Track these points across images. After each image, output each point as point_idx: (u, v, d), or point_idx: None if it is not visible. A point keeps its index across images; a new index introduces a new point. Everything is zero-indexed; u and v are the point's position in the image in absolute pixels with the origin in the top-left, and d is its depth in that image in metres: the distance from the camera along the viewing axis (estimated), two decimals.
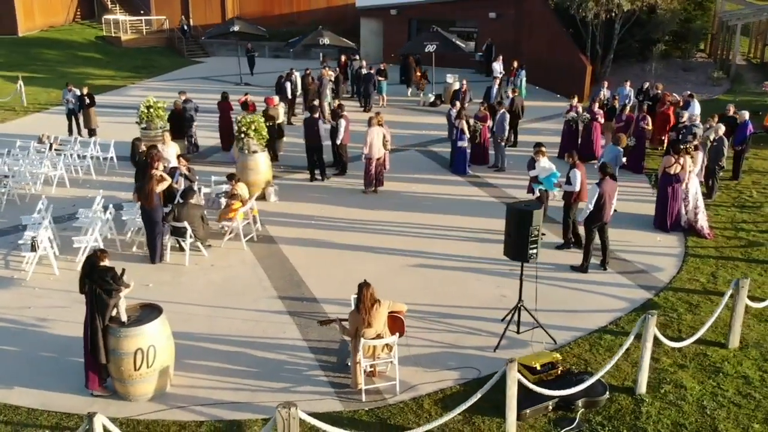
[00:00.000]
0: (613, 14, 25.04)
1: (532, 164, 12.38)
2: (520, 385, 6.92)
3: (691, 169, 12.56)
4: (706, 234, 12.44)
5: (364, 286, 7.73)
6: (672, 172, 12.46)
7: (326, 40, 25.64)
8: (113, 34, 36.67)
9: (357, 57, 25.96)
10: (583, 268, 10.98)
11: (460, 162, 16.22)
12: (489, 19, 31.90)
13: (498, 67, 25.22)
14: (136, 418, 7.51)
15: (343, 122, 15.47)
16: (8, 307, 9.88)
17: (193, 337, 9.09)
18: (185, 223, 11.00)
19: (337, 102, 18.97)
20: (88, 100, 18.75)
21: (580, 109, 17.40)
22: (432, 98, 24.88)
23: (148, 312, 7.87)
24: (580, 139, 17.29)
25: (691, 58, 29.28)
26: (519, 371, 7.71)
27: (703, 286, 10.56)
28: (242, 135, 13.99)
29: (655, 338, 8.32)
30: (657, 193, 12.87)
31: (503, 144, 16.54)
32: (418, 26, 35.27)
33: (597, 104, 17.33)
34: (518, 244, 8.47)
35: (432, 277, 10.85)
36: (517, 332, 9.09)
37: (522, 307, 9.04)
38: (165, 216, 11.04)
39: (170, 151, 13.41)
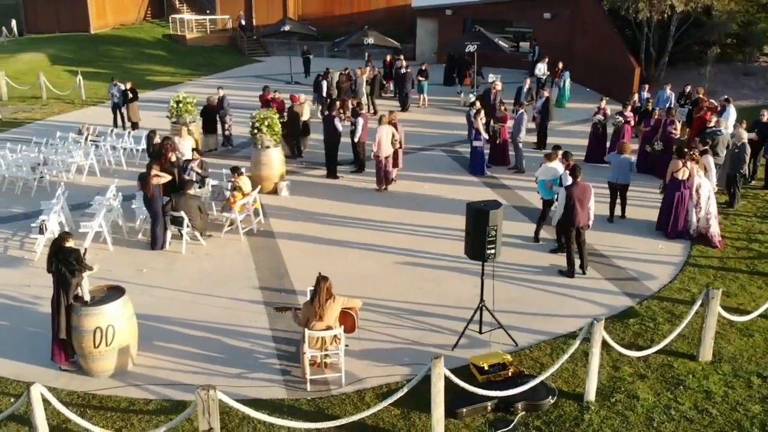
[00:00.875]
0: (665, 15, 24.17)
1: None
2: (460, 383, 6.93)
3: (700, 174, 12.05)
4: (716, 243, 11.94)
5: (321, 280, 7.91)
6: (680, 177, 12.03)
7: (370, 40, 25.89)
8: (179, 33, 38.14)
9: (400, 57, 26.07)
10: (568, 273, 10.78)
11: (476, 162, 16.13)
12: (544, 19, 31.37)
13: (543, 67, 24.79)
14: (92, 393, 7.96)
15: (360, 121, 15.65)
16: (10, 284, 10.59)
17: (168, 321, 9.50)
18: (182, 213, 11.45)
19: (359, 100, 19.07)
20: (131, 95, 19.66)
21: (608, 112, 16.95)
22: (472, 98, 24.62)
23: (113, 293, 8.30)
24: (608, 143, 16.83)
25: (753, 62, 27.89)
26: (470, 370, 7.82)
27: (693, 297, 10.16)
28: (255, 130, 14.37)
29: (622, 346, 8.21)
30: (663, 198, 12.43)
31: (521, 145, 16.31)
32: (473, 26, 35.04)
33: (629, 107, 16.83)
34: (477, 243, 8.43)
35: (416, 276, 10.91)
36: (480, 332, 9.06)
37: (484, 308, 8.98)
38: (164, 205, 11.53)
39: (186, 144, 13.96)
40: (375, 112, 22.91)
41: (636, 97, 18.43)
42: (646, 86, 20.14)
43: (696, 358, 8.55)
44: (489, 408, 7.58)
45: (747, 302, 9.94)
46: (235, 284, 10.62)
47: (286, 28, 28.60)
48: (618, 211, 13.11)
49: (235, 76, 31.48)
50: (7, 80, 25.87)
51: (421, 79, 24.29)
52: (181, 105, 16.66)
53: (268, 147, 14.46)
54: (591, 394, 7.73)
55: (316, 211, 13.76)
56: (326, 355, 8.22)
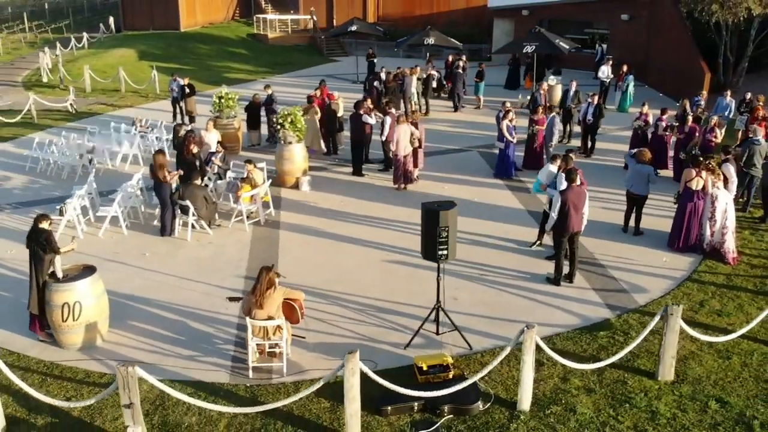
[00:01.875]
0: (742, 19, 22.73)
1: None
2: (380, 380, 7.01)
3: (719, 184, 11.36)
4: (729, 259, 11.24)
5: (264, 270, 8.16)
6: (694, 187, 11.40)
7: (431, 40, 25.89)
8: (262, 32, 39.52)
9: (461, 57, 25.90)
10: (555, 281, 10.48)
11: (501, 165, 15.89)
12: (621, 20, 30.24)
13: (606, 70, 23.91)
14: (57, 363, 8.56)
15: (388, 119, 15.76)
16: (23, 260, 11.45)
17: (150, 303, 10.04)
18: (188, 202, 12.01)
19: (388, 99, 19.06)
20: (188, 90, 20.66)
21: (650, 119, 16.22)
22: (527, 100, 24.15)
23: (85, 272, 8.88)
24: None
25: None
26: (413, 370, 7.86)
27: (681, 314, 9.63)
28: (279, 126, 14.80)
29: (574, 358, 7.99)
30: (676, 209, 11.81)
31: (552, 148, 15.90)
32: (550, 27, 34.25)
33: (666, 114, 16.05)
34: (429, 243, 8.41)
35: (398, 274, 10.94)
36: (437, 333, 9.01)
37: (440, 309, 8.93)
38: (172, 194, 12.14)
39: (211, 137, 14.60)
40: (427, 112, 22.95)
41: (683, 102, 17.45)
42: (704, 93, 19.08)
43: (655, 377, 8.12)
44: (416, 408, 7.55)
45: (739, 323, 9.32)
46: (224, 272, 11.04)
47: (354, 28, 29.04)
48: (633, 223, 12.49)
49: (306, 75, 32.27)
50: (90, 74, 27.73)
51: (476, 80, 24.05)
52: (223, 100, 17.33)
53: (290, 143, 14.84)
54: (524, 404, 7.55)
55: (329, 207, 14.01)
56: (275, 345, 8.41)
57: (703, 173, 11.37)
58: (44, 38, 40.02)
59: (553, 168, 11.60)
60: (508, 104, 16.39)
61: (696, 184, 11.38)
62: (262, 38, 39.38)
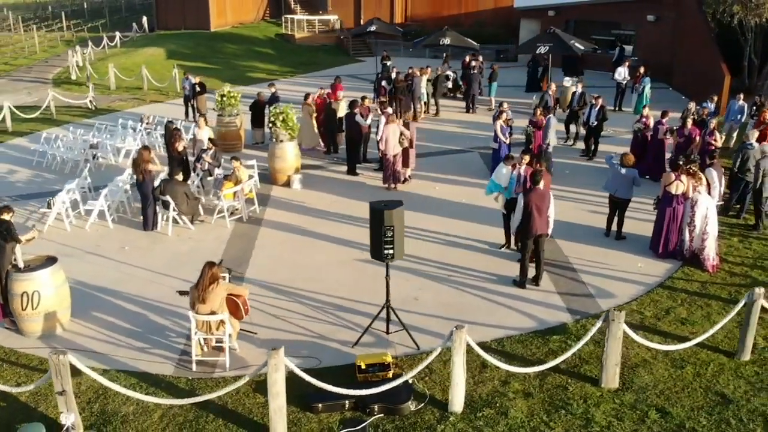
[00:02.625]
0: (766, 20, 22.03)
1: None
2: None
3: (700, 189, 11.04)
4: (708, 266, 10.92)
5: (207, 265, 8.29)
6: (673, 192, 11.12)
7: (447, 40, 25.76)
8: (289, 32, 39.92)
9: (478, 58, 25.73)
10: (520, 283, 10.35)
11: (494, 166, 15.66)
12: (648, 21, 29.61)
13: (623, 71, 23.42)
14: (15, 349, 8.84)
15: (383, 119, 15.75)
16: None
17: (117, 295, 10.28)
18: (168, 197, 12.25)
19: (382, 100, 18.95)
20: (198, 89, 21.01)
21: (651, 121, 15.85)
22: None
23: (47, 263, 9.15)
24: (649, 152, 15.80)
25: None
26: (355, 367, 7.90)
27: (641, 321, 9.44)
28: (271, 124, 14.96)
29: (521, 361, 7.92)
30: (656, 215, 11.53)
31: (550, 150, 15.67)
32: (576, 28, 33.79)
33: (667, 116, 15.67)
34: (375, 243, 8.41)
35: (367, 273, 10.92)
36: (386, 332, 9.00)
37: (389, 308, 8.92)
38: (153, 190, 12.39)
39: (203, 134, 14.84)
40: (437, 113, 22.88)
41: (690, 105, 17.01)
42: (714, 97, 18.54)
43: (598, 383, 7.96)
44: (347, 406, 7.56)
45: (701, 332, 9.03)
46: (196, 267, 11.07)
47: (373, 28, 29.09)
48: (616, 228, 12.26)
49: (328, 75, 32.36)
50: (115, 72, 28.44)
51: (489, 81, 23.87)
52: (225, 98, 17.59)
53: (282, 141, 14.98)
54: (456, 405, 7.49)
55: (316, 206, 14.09)
56: (221, 339, 8.52)
57: (684, 177, 11.07)
58: (81, 37, 41.13)
59: (506, 169, 11.44)
60: (505, 105, 16.23)
61: (675, 189, 11.09)
62: (289, 38, 39.79)
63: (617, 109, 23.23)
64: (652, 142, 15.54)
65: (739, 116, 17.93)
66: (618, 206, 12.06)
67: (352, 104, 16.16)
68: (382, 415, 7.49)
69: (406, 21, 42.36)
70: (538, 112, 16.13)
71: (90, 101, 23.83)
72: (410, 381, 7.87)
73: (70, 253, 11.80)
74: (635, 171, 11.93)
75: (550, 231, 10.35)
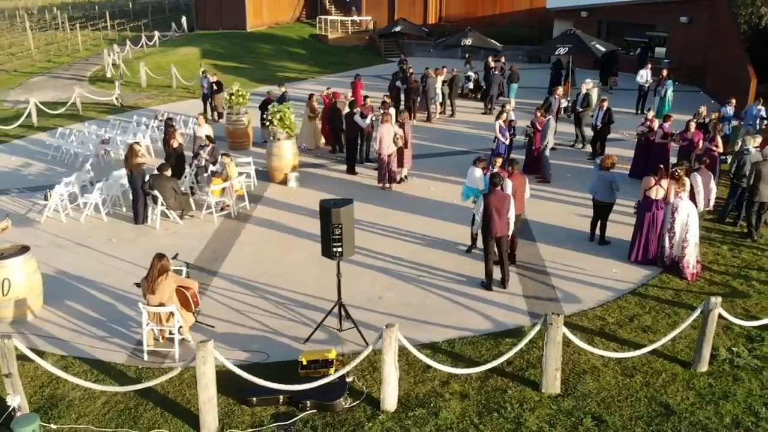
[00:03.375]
0: None
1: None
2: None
3: (682, 194, 10.74)
4: (687, 274, 10.63)
5: (156, 257, 8.51)
6: (653, 197, 10.86)
7: (468, 41, 25.66)
8: (323, 33, 40.30)
9: (499, 59, 25.54)
10: (486, 285, 10.28)
11: None
12: (680, 23, 28.87)
13: (645, 74, 22.88)
14: None
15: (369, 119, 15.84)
16: (5, 240, 12.37)
17: (93, 285, 10.62)
18: (156, 192, 12.58)
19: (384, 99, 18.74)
20: (215, 87, 21.47)
21: (655, 125, 15.48)
22: (564, 104, 23.46)
23: (20, 252, 9.52)
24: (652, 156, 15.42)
25: None
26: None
27: (602, 327, 9.26)
28: (268, 123, 15.19)
29: (467, 363, 7.89)
30: (636, 220, 11.27)
31: (547, 153, 15.46)
32: (608, 29, 33.22)
33: (669, 120, 15.28)
34: (326, 241, 8.49)
35: (347, 274, 10.88)
36: (339, 329, 9.07)
37: (342, 306, 8.98)
38: (142, 184, 12.74)
39: (202, 131, 15.16)
40: (452, 114, 22.79)
41: (701, 109, 16.52)
42: (733, 101, 17.96)
43: (539, 388, 7.86)
44: (281, 401, 7.66)
45: (674, 347, 8.81)
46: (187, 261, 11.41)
47: (398, 28, 29.17)
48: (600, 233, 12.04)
49: (352, 75, 32.61)
50: (146, 70, 29.23)
51: (508, 82, 23.65)
52: (233, 97, 17.92)
53: (279, 139, 15.18)
54: (388, 404, 7.51)
55: (307, 204, 14.19)
56: (173, 331, 8.72)
57: (664, 182, 10.79)
58: (123, 36, 42.38)
59: (478, 172, 11.32)
60: (507, 106, 16.09)
61: (655, 194, 10.82)
62: (322, 39, 40.17)
63: (639, 112, 22.69)
64: (654, 147, 15.14)
65: (756, 121, 17.30)
66: (600, 210, 11.84)
67: (352, 104, 16.26)
68: (314, 411, 7.54)
69: (440, 21, 42.27)
70: (538, 113, 15.91)
71: (116, 98, 24.54)
72: (349, 379, 7.93)
73: (60, 244, 12.25)
74: (613, 174, 11.68)
75: (510, 233, 10.22)
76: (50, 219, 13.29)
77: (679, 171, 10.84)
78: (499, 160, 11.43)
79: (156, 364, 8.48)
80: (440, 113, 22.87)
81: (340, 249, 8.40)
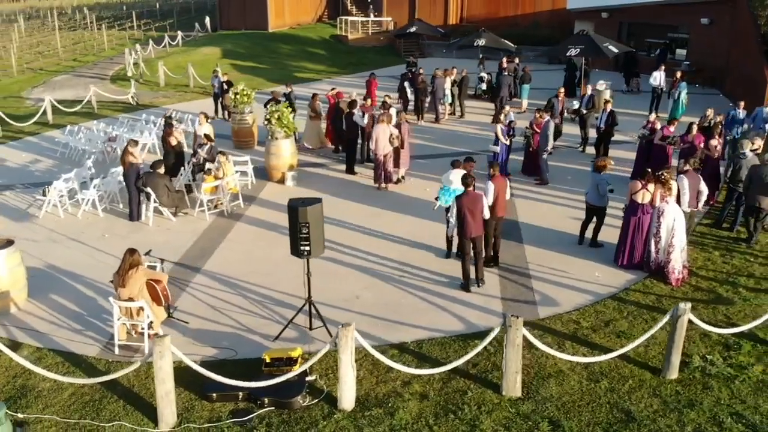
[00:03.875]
0: None
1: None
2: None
3: (669, 198, 10.55)
4: (673, 280, 10.44)
5: (127, 252, 8.65)
6: (639, 201, 10.69)
7: (482, 42, 25.51)
8: (343, 33, 40.46)
9: (513, 60, 25.37)
10: (465, 287, 10.24)
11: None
12: (701, 25, 28.33)
13: (658, 76, 22.50)
14: None
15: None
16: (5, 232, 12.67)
17: (79, 279, 10.83)
18: (149, 189, 12.77)
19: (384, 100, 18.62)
20: (226, 86, 21.69)
21: (657, 127, 15.22)
22: (575, 105, 23.20)
23: (4, 246, 9.76)
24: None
25: None
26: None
27: (574, 331, 9.15)
28: (266, 122, 15.32)
29: (432, 363, 7.90)
30: (622, 224, 11.11)
31: (545, 156, 15.31)
32: (629, 30, 32.76)
33: (675, 124, 15.01)
34: (294, 240, 8.54)
35: (320, 270, 10.93)
36: (310, 328, 9.11)
37: (311, 304, 9.02)
38: (136, 181, 12.94)
39: (202, 129, 15.35)
40: (462, 115, 22.70)
41: (708, 112, 16.19)
42: (741, 103, 17.57)
43: (499, 391, 7.81)
44: (240, 397, 7.73)
45: (634, 347, 8.67)
46: (169, 256, 11.53)
47: (413, 29, 29.14)
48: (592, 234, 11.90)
49: (366, 75, 32.68)
50: (165, 70, 29.67)
51: (520, 83, 23.48)
52: (238, 96, 18.10)
53: (277, 138, 15.30)
54: (345, 403, 7.53)
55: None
56: (149, 325, 8.85)
57: (651, 186, 10.62)
58: (149, 36, 43.07)
59: (453, 175, 11.17)
60: (507, 107, 15.97)
61: (642, 198, 10.65)
62: (342, 39, 40.33)
63: (656, 114, 22.27)
64: (654, 150, 14.89)
65: (765, 125, 16.90)
66: (590, 213, 11.71)
67: (351, 104, 16.30)
68: (273, 408, 7.60)
69: (461, 22, 42.11)
70: (538, 115, 15.77)
71: (131, 97, 24.96)
72: (312, 377, 7.98)
73: (55, 239, 12.52)
74: (603, 177, 11.51)
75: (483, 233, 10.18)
76: (49, 214, 13.57)
77: (665, 175, 10.63)
78: (473, 164, 11.25)
79: (126, 358, 8.61)
80: (449, 114, 22.80)
81: (307, 248, 8.44)
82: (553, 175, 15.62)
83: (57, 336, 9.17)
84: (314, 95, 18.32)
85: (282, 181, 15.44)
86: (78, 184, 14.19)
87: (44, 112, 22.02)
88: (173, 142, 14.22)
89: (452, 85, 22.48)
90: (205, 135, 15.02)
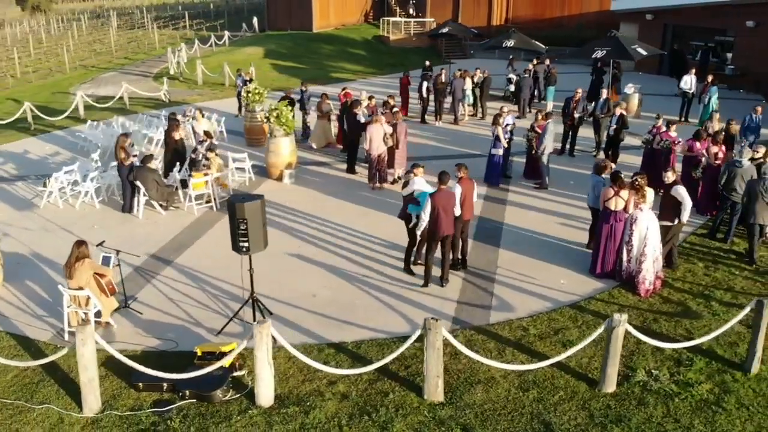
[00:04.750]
0: None
1: (406, 184, 11.21)
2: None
3: (644, 206, 10.15)
4: (642, 290, 10.05)
5: (75, 244, 8.94)
6: (612, 208, 10.32)
7: (510, 43, 25.05)
8: (386, 34, 40.55)
9: (543, 61, 24.88)
10: (425, 284, 10.16)
11: (490, 172, 15.24)
12: (746, 28, 27.12)
13: (689, 80, 21.65)
14: None
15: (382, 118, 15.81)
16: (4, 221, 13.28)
17: (56, 268, 11.17)
18: (138, 183, 13.14)
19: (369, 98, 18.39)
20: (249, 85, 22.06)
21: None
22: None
23: None
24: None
25: None
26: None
27: (520, 338, 8.92)
28: (266, 120, 15.53)
29: (364, 364, 7.88)
30: (596, 232, 10.75)
31: (544, 159, 14.94)
32: (674, 32, 31.63)
33: (673, 127, 14.40)
34: (234, 236, 8.64)
35: (286, 267, 11.11)
36: (254, 321, 9.16)
37: (255, 300, 9.10)
38: (127, 175, 13.33)
39: (201, 127, 15.70)
40: (483, 117, 22.42)
41: (716, 117, 15.48)
42: (758, 108, 16.71)
43: (421, 395, 7.69)
44: (165, 388, 7.87)
45: (575, 356, 8.40)
46: (140, 249, 11.91)
47: (445, 30, 28.92)
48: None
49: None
50: (203, 68, 30.42)
51: (546, 85, 23.03)
52: (250, 94, 18.40)
53: (275, 136, 15.48)
54: (262, 399, 7.57)
55: (292, 200, 14.39)
56: (98, 313, 9.12)
57: (624, 192, 10.23)
58: (200, 35, 44.24)
59: (418, 182, 10.89)
60: (505, 109, 15.68)
61: (614, 204, 10.28)
62: (384, 40, 40.43)
63: (683, 120, 21.50)
64: (657, 155, 14.35)
65: None
66: (593, 214, 11.40)
67: (353, 104, 16.32)
68: (194, 400, 7.70)
69: (506, 23, 41.55)
70: (539, 117, 15.42)
71: (164, 94, 25.68)
72: (241, 372, 8.06)
73: (48, 228, 13.03)
74: (599, 178, 11.14)
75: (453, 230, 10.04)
76: (50, 205, 14.13)
77: (639, 181, 10.20)
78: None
79: (72, 344, 8.85)
80: (471, 115, 22.55)
81: (246, 244, 8.50)
82: (557, 178, 15.25)
83: (18, 320, 9.54)
84: (323, 95, 18.42)
85: (280, 178, 15.60)
86: (81, 176, 14.69)
87: (76, 108, 22.88)
88: (177, 137, 14.57)
89: (474, 87, 22.22)
90: (204, 132, 15.32)
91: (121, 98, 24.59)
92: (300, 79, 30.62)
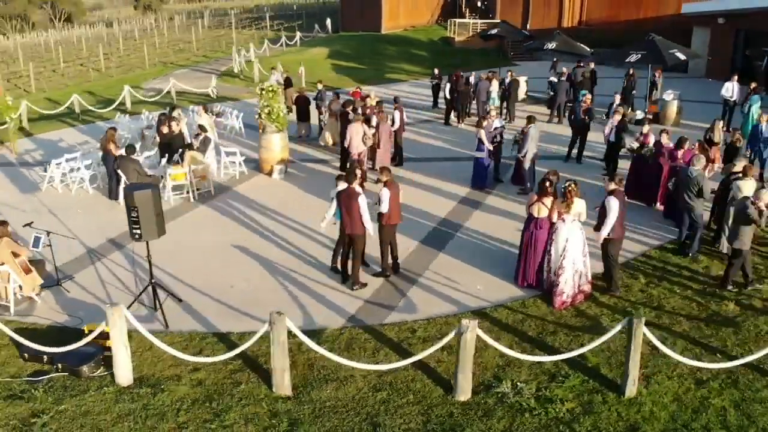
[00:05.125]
0: None
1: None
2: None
3: (568, 216, 9.77)
4: (557, 302, 9.68)
5: None
6: (535, 214, 10.00)
7: (551, 45, 24.45)
8: (452, 35, 40.38)
9: (587, 64, 24.05)
10: (342, 281, 10.31)
11: (476, 175, 15.03)
12: None
13: (730, 87, 20.29)
14: None
15: (375, 120, 15.98)
16: (6, 204, 14.47)
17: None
18: (120, 172, 13.99)
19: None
20: (284, 83, 22.80)
21: (650, 140, 13.92)
22: (640, 115, 21.55)
23: None
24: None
25: None
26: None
27: (403, 340, 8.86)
28: (257, 116, 16.05)
29: None
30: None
31: (526, 164, 14.55)
32: (747, 37, 29.57)
33: (666, 135, 13.61)
34: (129, 224, 9.11)
35: (233, 260, 11.43)
36: (155, 309, 9.60)
37: (154, 286, 9.53)
38: (113, 164, 14.21)
39: (201, 121, 16.42)
40: (510, 120, 21.99)
41: (720, 124, 14.46)
42: (765, 117, 15.47)
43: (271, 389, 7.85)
44: (45, 360, 8.44)
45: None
46: (114, 235, 12.60)
47: (494, 31, 28.57)
48: None
49: None
50: (260, 68, 31.57)
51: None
52: (264, 92, 18.99)
53: (267, 132, 15.96)
54: (120, 379, 7.98)
55: (274, 195, 14.76)
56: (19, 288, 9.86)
57: (547, 200, 9.87)
58: (279, 35, 45.81)
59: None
60: (493, 112, 15.39)
61: (537, 211, 9.95)
62: (450, 41, 40.25)
63: (725, 129, 20.14)
64: (646, 166, 13.61)
65: None
66: None
67: (346, 104, 16.54)
68: (66, 373, 8.21)
69: (580, 25, 40.27)
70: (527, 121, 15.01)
71: (212, 90, 26.89)
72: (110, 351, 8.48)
73: (39, 210, 14.10)
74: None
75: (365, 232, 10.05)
76: (52, 189, 15.27)
77: (570, 188, 9.76)
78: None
79: (10, 317, 9.59)
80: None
81: (138, 231, 8.93)
82: None
83: None
84: (336, 95, 18.73)
85: (269, 173, 16.06)
86: (83, 164, 15.75)
87: (123, 101, 24.42)
88: (165, 130, 15.34)
89: (500, 89, 21.85)
90: (199, 126, 16.02)
91: (168, 93, 25.91)
92: (352, 79, 31.32)
